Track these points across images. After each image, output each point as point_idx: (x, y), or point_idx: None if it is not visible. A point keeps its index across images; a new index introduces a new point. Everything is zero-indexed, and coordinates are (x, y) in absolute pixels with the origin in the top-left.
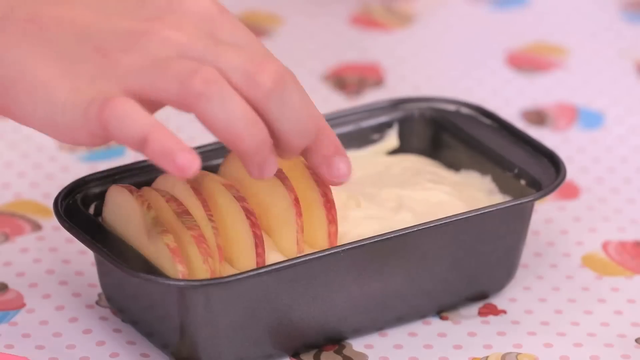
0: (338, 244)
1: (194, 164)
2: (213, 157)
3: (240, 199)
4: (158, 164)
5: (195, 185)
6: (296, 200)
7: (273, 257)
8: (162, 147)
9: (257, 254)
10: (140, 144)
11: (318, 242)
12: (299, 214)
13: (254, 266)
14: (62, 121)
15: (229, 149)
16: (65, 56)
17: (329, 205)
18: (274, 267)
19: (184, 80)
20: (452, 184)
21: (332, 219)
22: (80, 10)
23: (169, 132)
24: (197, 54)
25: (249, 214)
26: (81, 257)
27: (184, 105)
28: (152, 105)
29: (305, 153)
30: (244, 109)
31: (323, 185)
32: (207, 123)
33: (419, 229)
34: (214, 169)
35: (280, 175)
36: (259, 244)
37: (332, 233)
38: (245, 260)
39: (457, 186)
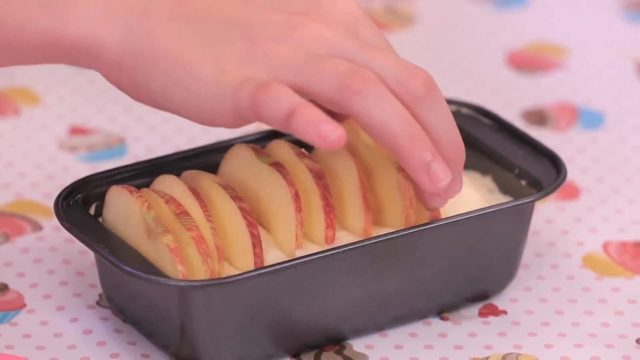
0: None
1: (336, 132)
2: (212, 158)
3: (236, 198)
4: (302, 136)
5: (192, 185)
6: (296, 195)
7: (272, 254)
8: (307, 119)
9: (255, 254)
10: (286, 119)
11: (315, 245)
12: (299, 209)
13: (252, 266)
14: (205, 101)
15: (383, 143)
16: (212, 39)
17: (329, 209)
18: (274, 267)
19: (342, 79)
20: None
21: (330, 224)
22: (229, 1)
23: (314, 107)
24: (349, 54)
25: (245, 213)
26: (81, 257)
27: (339, 103)
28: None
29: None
30: (399, 108)
31: (324, 190)
32: (363, 121)
33: (419, 229)
34: (213, 169)
35: (281, 170)
36: (256, 243)
37: (329, 237)
38: (243, 260)
39: None
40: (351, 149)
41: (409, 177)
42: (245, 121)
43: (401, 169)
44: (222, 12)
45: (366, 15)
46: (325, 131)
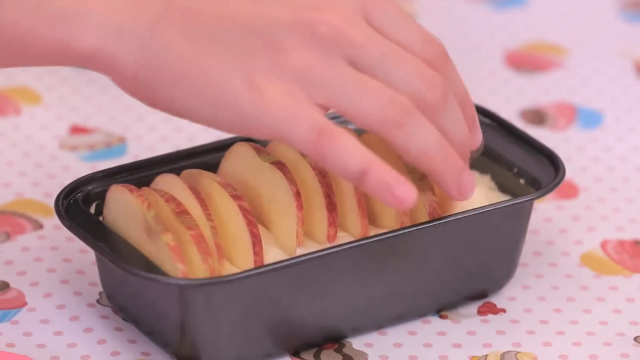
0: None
1: (411, 195)
2: (212, 157)
3: (237, 197)
4: (375, 195)
5: (193, 184)
6: (297, 194)
7: (272, 253)
8: (381, 181)
9: (255, 253)
10: (358, 177)
11: (316, 243)
12: (300, 207)
13: (252, 265)
14: (240, 119)
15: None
16: (233, 51)
17: (331, 207)
18: (274, 266)
19: (384, 110)
20: None
21: (332, 222)
22: (237, 5)
23: (386, 165)
24: (370, 62)
25: (246, 212)
26: (82, 256)
27: (380, 132)
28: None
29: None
30: (435, 135)
31: (327, 188)
32: (403, 150)
33: (419, 229)
34: (214, 168)
35: (282, 168)
36: (256, 242)
37: (331, 235)
38: (243, 259)
39: None
40: None
41: None
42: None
43: None
44: (234, 18)
45: None
46: (400, 194)
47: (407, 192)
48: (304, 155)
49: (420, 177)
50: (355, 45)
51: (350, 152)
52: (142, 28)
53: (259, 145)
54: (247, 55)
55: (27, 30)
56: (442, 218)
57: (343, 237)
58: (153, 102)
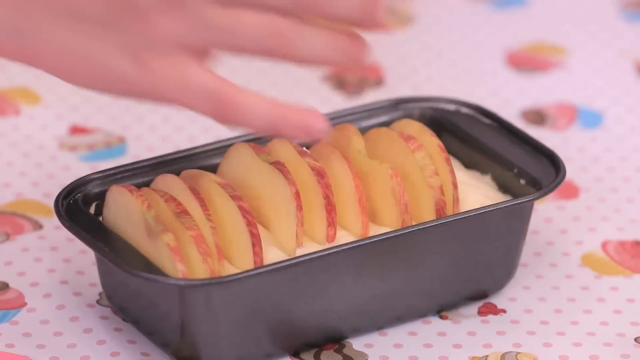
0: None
1: (319, 122)
2: (212, 157)
3: (236, 198)
4: (292, 137)
5: (192, 185)
6: (297, 194)
7: (272, 253)
8: (292, 125)
9: (255, 253)
10: (272, 131)
11: (316, 244)
12: (299, 207)
13: (252, 265)
14: (140, 91)
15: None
16: (106, 30)
17: (330, 207)
18: (274, 266)
19: (262, 38)
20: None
21: (331, 222)
22: None
23: (289, 107)
24: None
25: (245, 213)
26: (82, 256)
27: (268, 58)
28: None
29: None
30: (325, 38)
31: (326, 188)
32: (298, 62)
33: (419, 229)
34: (213, 168)
35: (281, 169)
36: (256, 242)
37: (330, 236)
38: (242, 260)
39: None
40: (344, 156)
41: (402, 183)
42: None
43: (395, 175)
44: None
45: None
46: (311, 126)
47: (314, 120)
48: (302, 156)
49: (430, 175)
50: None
51: (253, 112)
52: (8, 15)
53: (258, 145)
54: (119, 33)
55: None
56: (441, 218)
57: (343, 236)
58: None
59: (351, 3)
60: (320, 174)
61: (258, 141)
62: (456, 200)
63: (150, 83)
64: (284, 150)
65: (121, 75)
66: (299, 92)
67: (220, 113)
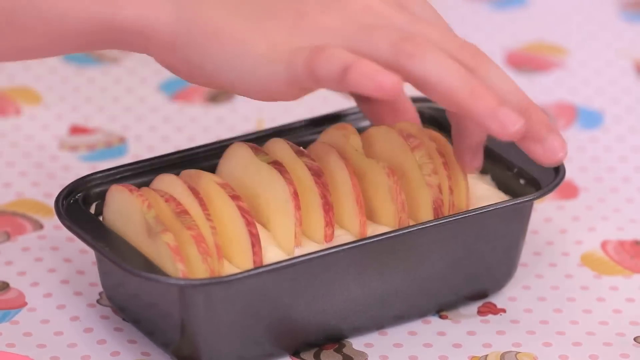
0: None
1: (393, 80)
2: (211, 157)
3: (235, 197)
4: (360, 89)
5: (192, 185)
6: (295, 194)
7: (271, 252)
8: (362, 72)
9: (254, 253)
10: (342, 76)
11: (314, 243)
12: (298, 207)
13: (251, 265)
14: (260, 76)
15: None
16: (261, 14)
17: (327, 207)
18: (274, 266)
19: (397, 44)
20: None
21: (329, 222)
22: None
23: (368, 61)
24: (399, 25)
25: (244, 212)
26: (82, 256)
27: (394, 66)
28: None
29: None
30: (456, 65)
31: (323, 188)
32: (420, 81)
33: (419, 228)
34: (213, 168)
35: (279, 168)
36: (255, 242)
37: (328, 235)
38: (242, 259)
39: None
40: (341, 155)
41: (399, 182)
42: (303, 90)
43: (391, 174)
44: None
45: None
46: (380, 80)
47: (387, 77)
48: (299, 156)
49: (428, 173)
50: (383, 16)
51: (334, 57)
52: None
53: (257, 145)
54: (271, 19)
55: (70, 8)
56: (442, 218)
57: (341, 235)
58: (189, 72)
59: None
60: (317, 174)
61: (256, 141)
62: (451, 205)
63: (275, 59)
64: (281, 150)
65: (253, 54)
66: None
67: (311, 64)
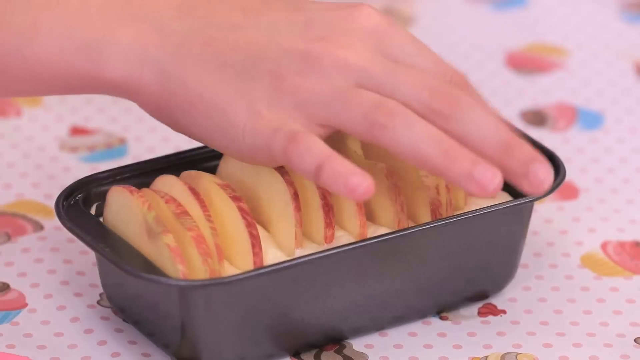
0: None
1: (365, 183)
2: (212, 158)
3: (235, 199)
4: (332, 188)
5: (192, 185)
6: (295, 195)
7: (271, 253)
8: (335, 172)
9: (254, 254)
10: (316, 172)
11: (314, 244)
12: (298, 208)
13: (252, 266)
14: (242, 144)
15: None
16: (242, 78)
17: (327, 208)
18: (274, 267)
19: (368, 115)
20: None
21: (329, 223)
22: (252, 33)
23: (342, 159)
24: (375, 82)
25: (244, 213)
26: (82, 257)
27: (368, 137)
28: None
29: (502, 170)
30: (428, 130)
31: (323, 189)
32: (396, 152)
33: (419, 229)
34: (213, 169)
35: (279, 170)
36: (255, 243)
37: (329, 236)
38: (242, 260)
39: None
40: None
41: (398, 182)
42: (282, 164)
43: (390, 175)
44: (249, 47)
45: (390, 23)
46: (353, 183)
47: (359, 180)
48: None
49: (426, 174)
50: (359, 70)
51: (309, 151)
52: (164, 58)
53: None
54: (251, 82)
55: (58, 62)
56: (442, 219)
57: (341, 236)
58: (175, 126)
59: (490, 135)
60: None
61: None
62: (449, 203)
63: (257, 132)
64: None
65: (235, 123)
66: None
67: (288, 152)
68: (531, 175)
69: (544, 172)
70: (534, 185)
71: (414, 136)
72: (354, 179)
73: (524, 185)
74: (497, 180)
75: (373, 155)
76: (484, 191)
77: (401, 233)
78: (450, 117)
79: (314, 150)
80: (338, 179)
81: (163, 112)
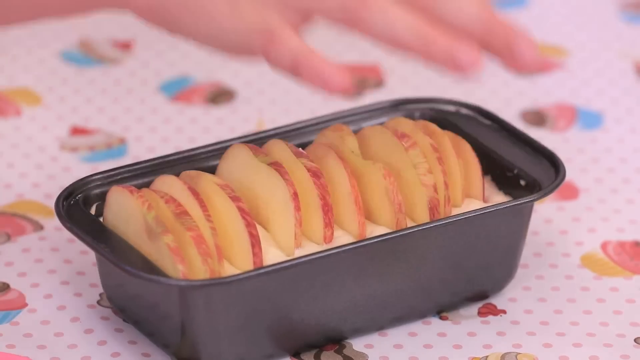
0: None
1: (341, 79)
2: (211, 158)
3: (235, 199)
4: (308, 83)
5: (192, 185)
6: (295, 195)
7: (271, 253)
8: (311, 67)
9: (254, 254)
10: (293, 67)
11: (314, 244)
12: (298, 208)
13: (251, 266)
14: (225, 41)
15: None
16: None
17: (327, 208)
18: (274, 267)
19: (346, 2)
20: None
21: (328, 223)
22: None
23: (317, 56)
24: None
25: (244, 213)
26: (82, 257)
27: (346, 24)
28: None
29: (485, 46)
30: (402, 14)
31: (322, 189)
32: (371, 35)
33: (419, 229)
34: (213, 169)
35: (279, 169)
36: (255, 243)
37: (328, 236)
38: (242, 260)
39: None
40: (338, 156)
41: (396, 182)
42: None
43: (388, 175)
44: None
45: None
46: (328, 78)
47: (337, 76)
48: (299, 157)
49: (423, 173)
50: None
51: (283, 48)
52: None
53: (256, 146)
54: None
55: None
56: (442, 219)
57: (340, 236)
58: (172, 28)
59: (470, 14)
60: (316, 175)
61: (256, 142)
62: (447, 200)
63: (239, 32)
64: (280, 151)
65: (221, 25)
66: (299, 91)
67: (266, 50)
68: (516, 49)
69: (527, 44)
70: (521, 59)
71: (389, 19)
72: (329, 73)
73: (507, 60)
74: (474, 59)
75: (370, 153)
76: (465, 70)
77: (401, 233)
78: (428, 4)
79: (288, 46)
80: (314, 74)
81: (156, 15)
